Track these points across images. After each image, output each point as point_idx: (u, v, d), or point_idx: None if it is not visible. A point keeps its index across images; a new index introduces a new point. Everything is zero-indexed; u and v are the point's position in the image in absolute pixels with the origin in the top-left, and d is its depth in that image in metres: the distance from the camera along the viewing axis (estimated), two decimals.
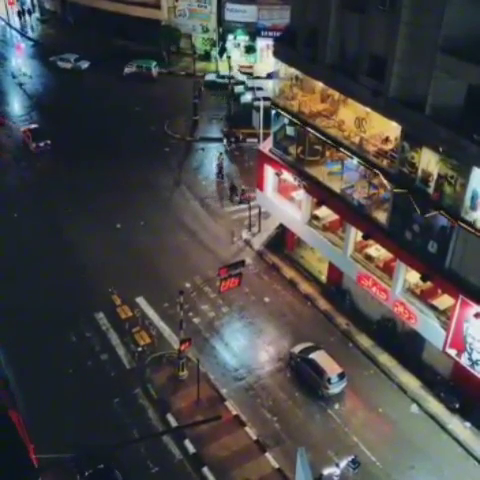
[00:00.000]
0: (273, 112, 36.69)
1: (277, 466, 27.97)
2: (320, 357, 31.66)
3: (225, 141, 51.10)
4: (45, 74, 62.89)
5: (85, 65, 62.74)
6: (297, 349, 32.67)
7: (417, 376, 32.17)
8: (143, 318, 35.04)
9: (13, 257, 38.68)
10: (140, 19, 63.83)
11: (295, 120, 34.94)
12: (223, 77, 56.55)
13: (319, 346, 32.67)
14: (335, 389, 31.14)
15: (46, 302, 35.57)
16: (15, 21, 73.73)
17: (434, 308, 30.36)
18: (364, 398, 31.56)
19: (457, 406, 30.39)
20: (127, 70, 60.90)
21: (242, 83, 56.89)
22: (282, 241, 40.64)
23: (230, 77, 54.81)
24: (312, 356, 31.76)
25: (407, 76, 27.78)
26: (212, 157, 50.42)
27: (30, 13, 73.48)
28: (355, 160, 31.60)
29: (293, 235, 39.40)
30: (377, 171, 30.41)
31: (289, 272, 38.88)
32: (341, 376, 31.16)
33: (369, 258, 33.44)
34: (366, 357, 33.45)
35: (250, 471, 27.66)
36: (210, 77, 59.60)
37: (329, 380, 30.85)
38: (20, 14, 72.36)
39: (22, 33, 71.07)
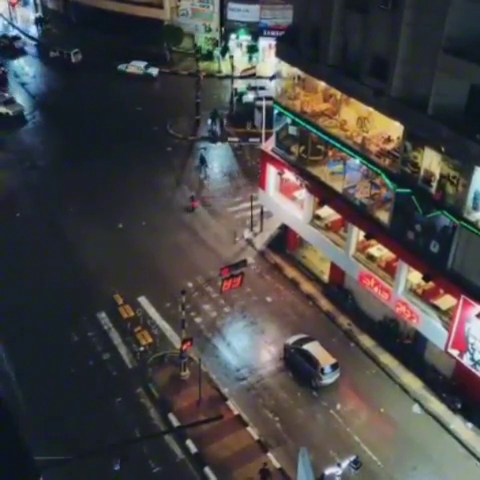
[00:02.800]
0: (275, 111, 36.67)
1: (279, 466, 27.97)
2: (314, 348, 32.00)
3: (209, 122, 52.45)
4: (47, 74, 62.93)
5: (20, 44, 67.95)
6: (291, 340, 32.94)
7: (419, 376, 32.14)
8: (145, 318, 35.06)
9: (15, 257, 38.69)
10: (143, 19, 63.77)
11: (297, 120, 34.92)
12: (133, 66, 62.29)
13: (313, 337, 32.80)
14: (328, 379, 31.45)
15: (48, 302, 35.60)
16: (18, 21, 73.81)
17: (436, 308, 30.33)
18: (366, 398, 31.55)
19: (459, 406, 30.35)
20: (52, 54, 65.28)
21: (151, 75, 61.61)
22: (284, 241, 40.61)
23: (138, 67, 61.74)
24: (306, 347, 32.08)
25: (410, 76, 27.76)
26: (214, 156, 50.46)
27: (45, 21, 73.40)
28: (357, 160, 31.59)
29: (295, 235, 39.38)
30: (379, 171, 30.39)
31: (291, 272, 38.86)
32: (334, 367, 31.45)
33: (371, 258, 33.41)
34: (368, 357, 33.43)
35: (252, 471, 27.62)
36: (121, 67, 62.56)
37: (322, 370, 31.15)
38: (37, 21, 72.36)
39: (35, 38, 70.86)
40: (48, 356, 32.34)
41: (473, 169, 25.50)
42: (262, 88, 53.16)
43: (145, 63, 62.20)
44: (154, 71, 61.98)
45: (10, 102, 55.23)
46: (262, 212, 41.43)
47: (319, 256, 38.77)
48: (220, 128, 52.62)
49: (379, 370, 32.75)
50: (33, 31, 72.06)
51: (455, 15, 24.88)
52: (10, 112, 54.29)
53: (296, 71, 34.70)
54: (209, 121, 52.85)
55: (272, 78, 36.98)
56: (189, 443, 28.81)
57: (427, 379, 31.89)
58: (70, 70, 63.05)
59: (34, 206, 43.84)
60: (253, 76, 57.10)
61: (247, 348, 33.97)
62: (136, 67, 61.87)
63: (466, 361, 28.57)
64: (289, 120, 35.83)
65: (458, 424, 30.05)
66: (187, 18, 64.55)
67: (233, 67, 56.24)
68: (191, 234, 41.59)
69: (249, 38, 62.64)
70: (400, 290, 31.30)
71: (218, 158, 50.58)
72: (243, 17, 61.59)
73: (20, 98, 57.42)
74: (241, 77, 56.89)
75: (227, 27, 62.97)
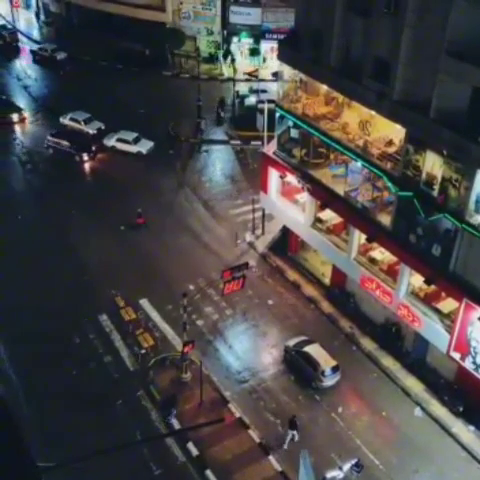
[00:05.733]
0: (277, 114, 36.70)
1: (280, 469, 27.93)
2: (314, 350, 32.04)
3: (216, 106, 53.50)
4: (50, 77, 63.03)
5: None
6: (292, 342, 32.94)
7: (421, 379, 32.11)
8: (146, 320, 35.05)
9: (17, 258, 38.69)
10: (145, 21, 63.83)
11: (299, 122, 34.95)
12: (42, 49, 65.60)
13: (313, 340, 32.79)
14: (329, 382, 31.48)
15: (49, 303, 35.59)
16: (21, 23, 73.93)
17: (438, 311, 30.31)
18: (368, 401, 31.50)
19: (461, 409, 30.31)
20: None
21: (55, 58, 63.61)
22: (286, 244, 40.60)
23: (52, 50, 64.81)
24: (306, 349, 32.11)
25: (412, 79, 27.77)
26: (216, 159, 50.53)
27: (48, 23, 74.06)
28: (359, 163, 31.59)
29: (297, 238, 39.37)
30: (381, 174, 30.38)
31: (293, 275, 38.84)
32: (335, 369, 31.46)
33: (373, 261, 33.39)
34: (370, 360, 33.40)
35: (253, 474, 27.62)
36: (33, 49, 66.35)
37: (323, 373, 31.16)
38: (58, 31, 72.65)
39: (38, 41, 70.98)
40: (49, 357, 32.35)
41: (475, 172, 25.50)
42: (264, 91, 53.28)
43: (54, 46, 65.22)
44: (60, 55, 64.19)
45: (138, 139, 49.99)
46: (264, 215, 41.43)
47: (321, 259, 38.75)
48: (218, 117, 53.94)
49: (381, 373, 32.72)
50: (35, 34, 72.17)
51: (457, 18, 24.88)
52: (143, 150, 49.42)
53: (298, 74, 34.76)
54: (218, 106, 54.03)
55: (275, 74, 37.08)
56: (190, 446, 28.77)
57: (429, 382, 31.85)
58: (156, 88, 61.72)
59: (35, 208, 43.86)
60: (255, 78, 57.31)
61: (249, 351, 33.96)
62: (45, 50, 64.82)
63: (468, 364, 28.54)
64: (291, 123, 35.87)
65: (460, 427, 30.00)
66: (189, 21, 64.57)
67: (235, 70, 56.31)
68: (193, 236, 41.59)
69: (251, 41, 62.70)
70: (402, 293, 31.27)
71: (220, 161, 50.61)
72: (245, 20, 61.56)
73: (23, 101, 57.57)
74: (245, 76, 57.23)
75: (229, 30, 63.01)
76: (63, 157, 48.64)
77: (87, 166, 48.94)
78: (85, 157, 48.83)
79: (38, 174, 47.68)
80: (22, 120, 53.65)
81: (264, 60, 61.58)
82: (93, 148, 49.33)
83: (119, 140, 50.05)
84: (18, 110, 53.91)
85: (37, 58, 64.84)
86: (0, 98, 55.70)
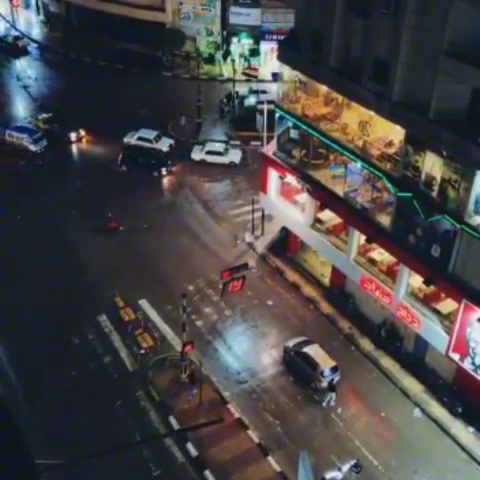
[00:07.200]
0: (277, 115, 36.70)
1: (279, 470, 27.93)
2: (314, 351, 32.12)
3: (224, 100, 54.62)
4: (50, 77, 63.00)
5: (24, 43, 69.44)
6: (291, 343, 32.98)
7: (420, 380, 32.12)
8: (146, 320, 35.06)
9: (16, 259, 38.69)
10: (145, 22, 63.83)
11: (299, 123, 34.96)
12: (5, 37, 68.66)
13: (313, 340, 32.83)
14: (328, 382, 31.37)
15: (49, 304, 35.59)
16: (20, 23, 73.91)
17: (437, 312, 30.32)
18: (367, 402, 31.51)
19: (460, 410, 30.32)
20: None
21: (26, 48, 66.72)
22: (285, 244, 40.60)
23: (14, 38, 68.36)
24: (306, 350, 32.18)
25: (411, 80, 27.78)
26: None
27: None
28: (359, 163, 31.60)
29: (296, 238, 39.38)
30: (380, 174, 30.40)
31: (292, 275, 38.85)
32: (334, 369, 31.49)
33: (372, 262, 33.40)
34: (369, 361, 33.41)
35: (252, 474, 27.62)
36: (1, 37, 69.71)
37: (322, 373, 31.17)
38: (60, 31, 72.45)
39: (37, 41, 70.92)
40: (49, 358, 32.36)
41: (475, 173, 25.52)
42: (264, 92, 53.25)
43: (17, 35, 69.08)
44: (22, 43, 67.28)
45: (227, 151, 49.35)
46: (263, 215, 41.43)
47: (320, 260, 38.76)
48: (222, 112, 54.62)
49: (380, 374, 32.73)
50: (35, 34, 72.17)
51: (457, 19, 24.89)
52: (236, 160, 48.82)
53: (297, 75, 34.77)
54: (224, 100, 54.80)
55: (274, 75, 37.17)
56: (189, 446, 28.78)
57: (428, 383, 31.86)
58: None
59: (35, 208, 43.82)
60: (255, 78, 57.26)
61: (248, 351, 33.96)
62: (7, 38, 68.50)
63: (467, 365, 28.54)
64: (291, 124, 35.88)
65: (459, 428, 30.02)
66: (189, 21, 64.56)
67: (235, 71, 56.29)
68: (192, 237, 41.58)
69: (251, 42, 62.67)
70: (401, 294, 31.28)
71: None
72: (245, 21, 61.52)
73: (23, 101, 57.55)
74: (244, 74, 57.24)
75: (229, 31, 62.98)
76: (139, 173, 47.51)
77: (166, 180, 48.24)
78: (163, 172, 48.35)
79: (119, 191, 45.98)
80: (80, 139, 52.16)
81: (246, 60, 61.86)
82: (169, 162, 48.85)
83: (209, 152, 49.03)
84: (75, 129, 51.83)
85: (3, 46, 67.08)
86: (57, 117, 53.19)
